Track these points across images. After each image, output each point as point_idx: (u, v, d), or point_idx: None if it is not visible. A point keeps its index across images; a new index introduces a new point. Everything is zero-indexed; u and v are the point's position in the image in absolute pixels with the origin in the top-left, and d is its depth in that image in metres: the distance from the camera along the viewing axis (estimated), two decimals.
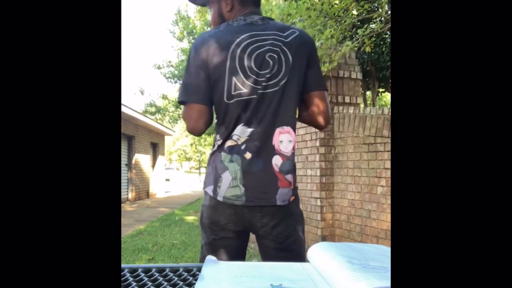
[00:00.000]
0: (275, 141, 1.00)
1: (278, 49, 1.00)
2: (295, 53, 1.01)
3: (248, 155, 0.99)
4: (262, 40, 1.00)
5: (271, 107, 1.00)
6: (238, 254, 1.06)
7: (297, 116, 1.07)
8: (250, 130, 0.99)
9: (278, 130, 1.00)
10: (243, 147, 0.99)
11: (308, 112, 1.08)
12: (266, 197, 0.98)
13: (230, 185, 0.99)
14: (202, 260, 1.09)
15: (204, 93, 1.01)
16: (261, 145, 0.99)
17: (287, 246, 1.01)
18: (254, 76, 0.99)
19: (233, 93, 0.99)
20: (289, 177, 1.00)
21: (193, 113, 1.02)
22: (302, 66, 1.03)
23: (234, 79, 0.99)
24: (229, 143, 1.01)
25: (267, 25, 1.04)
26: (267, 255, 1.05)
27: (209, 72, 1.00)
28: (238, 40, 0.99)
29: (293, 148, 1.01)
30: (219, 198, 1.00)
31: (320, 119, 1.06)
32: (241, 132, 1.00)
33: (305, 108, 1.08)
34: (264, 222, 1.00)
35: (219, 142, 1.03)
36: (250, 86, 0.99)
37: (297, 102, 1.04)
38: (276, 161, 0.99)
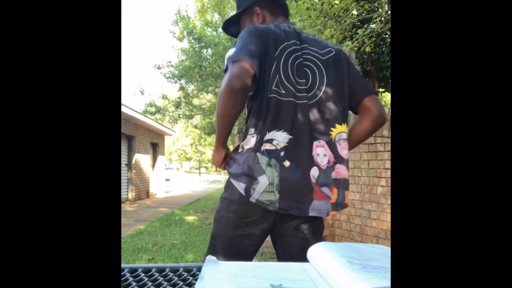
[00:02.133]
0: (314, 153, 1.02)
1: (314, 65, 1.06)
2: (330, 72, 1.07)
3: (287, 163, 0.99)
4: (303, 49, 1.06)
5: (308, 118, 1.02)
6: (255, 250, 1.08)
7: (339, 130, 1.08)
8: (289, 137, 1.00)
9: (315, 143, 1.02)
10: (282, 153, 0.99)
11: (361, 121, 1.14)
12: (300, 207, 0.99)
13: (266, 190, 0.98)
14: (211, 253, 1.07)
15: (258, 56, 0.98)
16: (300, 155, 1.00)
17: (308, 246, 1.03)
18: (293, 81, 1.03)
19: (273, 88, 1.01)
20: (325, 189, 1.01)
21: (242, 67, 0.94)
22: (338, 84, 1.07)
23: (277, 76, 1.01)
24: (267, 146, 0.99)
25: (307, 38, 1.11)
26: (287, 250, 1.06)
27: (265, 51, 1.00)
28: (288, 42, 1.04)
29: (329, 162, 1.03)
30: (252, 199, 0.99)
31: (372, 124, 1.12)
32: (282, 138, 1.00)
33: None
34: (294, 222, 1.03)
35: (255, 140, 1.01)
36: (289, 88, 1.02)
37: (335, 119, 1.06)
38: (314, 172, 1.00)
